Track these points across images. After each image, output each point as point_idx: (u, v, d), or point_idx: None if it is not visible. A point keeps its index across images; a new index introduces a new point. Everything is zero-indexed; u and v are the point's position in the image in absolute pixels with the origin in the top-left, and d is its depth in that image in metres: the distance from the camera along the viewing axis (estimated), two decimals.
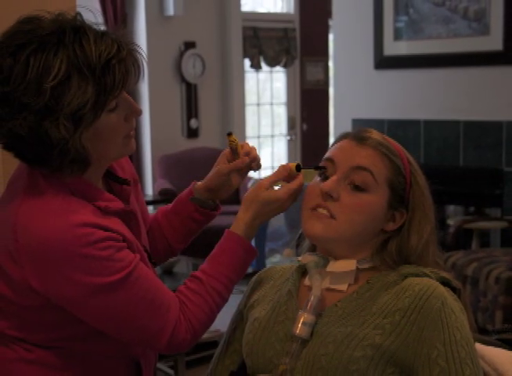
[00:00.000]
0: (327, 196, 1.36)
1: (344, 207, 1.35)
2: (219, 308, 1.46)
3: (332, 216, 1.36)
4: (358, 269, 1.38)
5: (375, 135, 1.40)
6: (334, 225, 1.35)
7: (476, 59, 5.11)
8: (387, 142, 1.41)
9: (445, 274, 1.36)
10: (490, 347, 1.43)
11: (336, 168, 1.39)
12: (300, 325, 1.31)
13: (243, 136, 6.98)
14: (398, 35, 5.53)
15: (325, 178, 1.39)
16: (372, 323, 1.29)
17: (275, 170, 1.47)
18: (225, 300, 1.46)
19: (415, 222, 1.39)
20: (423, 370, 1.25)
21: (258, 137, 7.62)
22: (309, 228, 1.38)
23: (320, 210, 1.37)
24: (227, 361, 1.48)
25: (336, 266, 1.38)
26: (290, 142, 7.78)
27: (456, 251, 4.62)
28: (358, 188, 1.36)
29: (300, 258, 1.45)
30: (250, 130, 7.44)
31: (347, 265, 1.37)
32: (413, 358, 1.26)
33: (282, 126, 7.80)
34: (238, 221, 1.46)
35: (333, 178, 1.37)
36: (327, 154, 1.42)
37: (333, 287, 1.38)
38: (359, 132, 1.41)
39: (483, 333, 3.94)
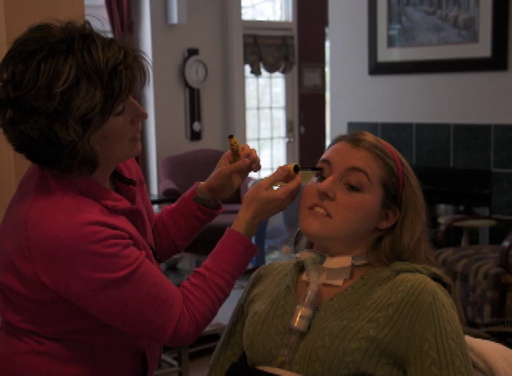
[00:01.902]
0: (324, 195, 1.36)
1: (340, 207, 1.35)
2: (221, 302, 1.46)
3: (328, 215, 1.36)
4: (353, 265, 1.38)
5: (369, 137, 1.40)
6: (330, 224, 1.35)
7: (465, 66, 5.11)
8: (381, 144, 1.41)
9: (436, 270, 1.36)
10: (479, 339, 1.43)
11: (332, 169, 1.39)
12: (298, 318, 1.32)
13: (244, 139, 6.98)
14: (391, 42, 5.53)
15: (322, 178, 1.39)
16: (366, 316, 1.29)
17: (275, 171, 1.47)
18: (226, 295, 1.46)
19: (407, 220, 1.39)
20: (415, 362, 1.25)
21: (258, 139, 7.62)
22: (306, 226, 1.38)
23: (317, 209, 1.37)
24: (228, 353, 1.48)
25: (332, 263, 1.38)
26: (288, 144, 7.77)
27: (446, 248, 4.62)
28: (353, 188, 1.36)
29: (298, 255, 1.45)
30: (251, 133, 7.43)
31: (343, 261, 1.37)
32: (406, 350, 1.26)
33: (280, 129, 7.79)
34: (239, 219, 1.46)
35: (330, 178, 1.37)
36: (324, 156, 1.42)
37: (329, 282, 1.38)
38: (354, 135, 1.41)
39: (472, 326, 3.94)
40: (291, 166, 1.46)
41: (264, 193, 1.44)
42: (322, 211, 1.36)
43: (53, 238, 1.30)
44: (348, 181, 1.37)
